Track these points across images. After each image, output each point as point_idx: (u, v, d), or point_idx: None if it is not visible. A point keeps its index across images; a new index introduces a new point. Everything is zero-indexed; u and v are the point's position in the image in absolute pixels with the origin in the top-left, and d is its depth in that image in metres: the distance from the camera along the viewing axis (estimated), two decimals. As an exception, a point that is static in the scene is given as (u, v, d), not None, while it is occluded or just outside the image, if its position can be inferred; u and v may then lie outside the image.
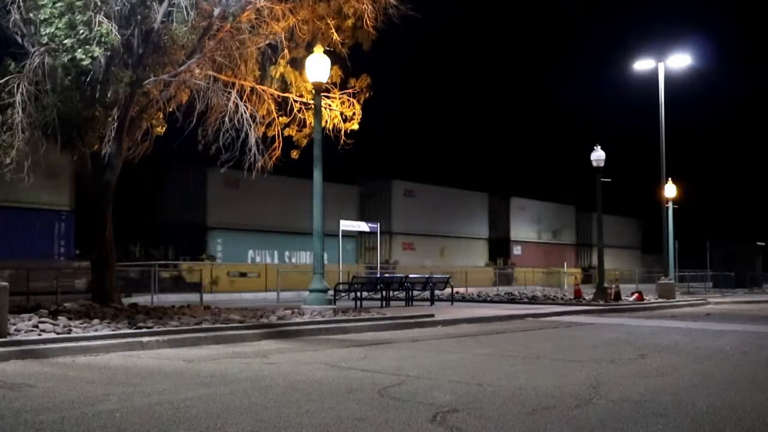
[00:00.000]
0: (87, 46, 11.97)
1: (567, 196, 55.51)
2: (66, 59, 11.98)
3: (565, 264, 48.10)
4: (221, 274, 30.82)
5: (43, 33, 12.09)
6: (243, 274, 32.03)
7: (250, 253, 34.54)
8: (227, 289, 29.35)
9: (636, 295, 26.64)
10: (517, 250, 50.16)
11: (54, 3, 12.13)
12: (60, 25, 11.96)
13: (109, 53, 12.78)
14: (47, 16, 12.07)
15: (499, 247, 49.04)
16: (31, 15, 12.88)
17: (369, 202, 40.82)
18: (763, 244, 52.43)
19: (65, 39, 11.96)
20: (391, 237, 40.59)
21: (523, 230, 51.22)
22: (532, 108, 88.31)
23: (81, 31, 12.00)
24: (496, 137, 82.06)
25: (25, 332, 10.51)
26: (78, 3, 12.18)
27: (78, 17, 12.11)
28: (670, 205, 32.93)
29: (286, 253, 35.90)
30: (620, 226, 56.55)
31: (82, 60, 12.04)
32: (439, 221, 43.44)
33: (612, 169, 29.14)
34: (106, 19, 12.52)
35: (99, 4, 12.60)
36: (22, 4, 12.98)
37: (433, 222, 43.02)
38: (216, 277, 30.02)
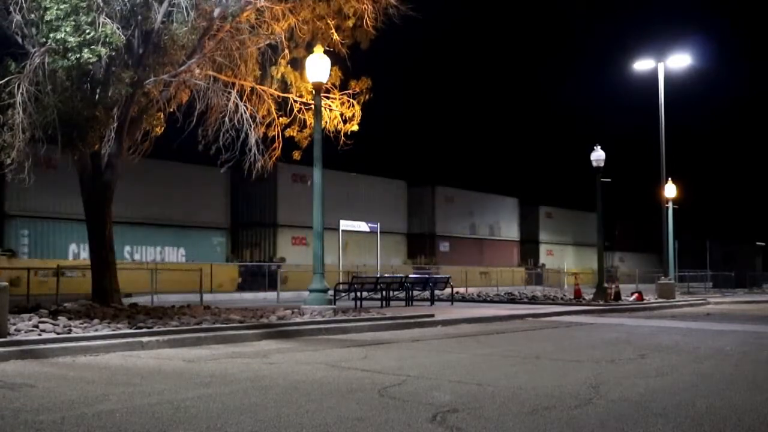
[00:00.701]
0: (93, 47, 12.00)
1: (508, 187, 53.07)
2: (73, 59, 12.00)
3: (516, 262, 46.65)
4: (23, 274, 21.96)
5: (50, 34, 12.10)
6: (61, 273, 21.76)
7: (73, 247, 28.36)
8: (37, 292, 20.50)
9: (636, 295, 26.66)
10: (444, 247, 44.80)
11: (59, 4, 12.15)
12: (67, 28, 11.99)
13: (114, 53, 12.80)
14: (53, 18, 12.09)
15: (422, 243, 43.70)
16: (33, 16, 12.89)
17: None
18: (763, 244, 52.48)
19: (70, 38, 11.98)
20: (276, 230, 35.82)
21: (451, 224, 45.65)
22: (531, 108, 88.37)
23: (87, 32, 12.03)
24: (496, 137, 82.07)
25: (25, 332, 10.51)
26: (82, 4, 12.20)
27: (82, 18, 12.13)
28: (670, 205, 32.94)
29: (127, 249, 30.00)
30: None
31: (89, 60, 12.08)
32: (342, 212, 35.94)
33: (612, 169, 29.16)
34: (109, 20, 12.55)
35: (101, 4, 12.63)
36: (24, 5, 13.00)
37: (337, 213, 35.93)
38: (17, 278, 21.74)
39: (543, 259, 51.88)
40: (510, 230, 50.46)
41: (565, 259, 51.68)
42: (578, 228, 53.75)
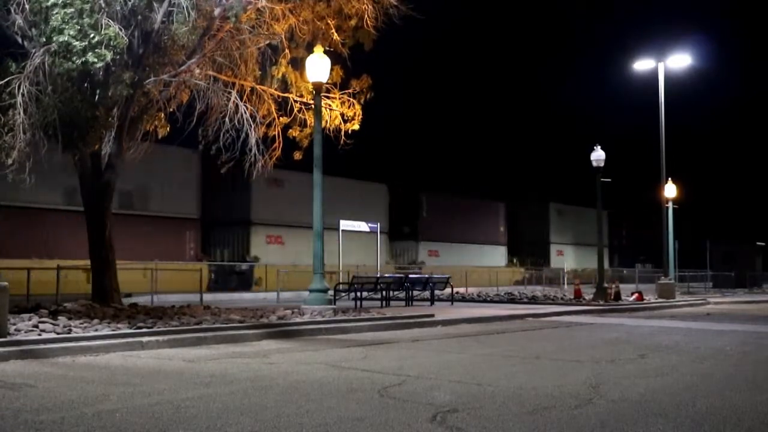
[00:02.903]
0: (98, 50, 12.01)
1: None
2: (78, 62, 12.00)
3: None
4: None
5: (53, 37, 12.10)
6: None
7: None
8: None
9: (636, 295, 26.65)
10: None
11: (64, 9, 12.14)
12: (71, 32, 11.99)
13: (118, 56, 12.81)
14: (59, 23, 12.07)
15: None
16: (35, 17, 12.88)
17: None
18: (763, 244, 52.44)
19: (75, 42, 11.99)
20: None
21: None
22: (531, 108, 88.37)
23: (92, 36, 12.04)
24: (495, 137, 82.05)
25: (25, 332, 10.51)
26: (85, 6, 12.21)
27: (86, 20, 12.14)
28: (670, 205, 32.93)
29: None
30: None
31: (94, 63, 12.09)
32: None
33: (612, 169, 29.18)
34: (111, 22, 12.56)
35: (103, 6, 12.63)
36: (26, 6, 12.99)
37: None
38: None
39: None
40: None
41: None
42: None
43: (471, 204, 48.05)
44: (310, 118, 17.60)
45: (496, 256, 49.30)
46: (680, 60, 30.84)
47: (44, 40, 12.47)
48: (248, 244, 33.58)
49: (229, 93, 16.42)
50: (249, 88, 16.98)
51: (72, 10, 12.15)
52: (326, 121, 17.43)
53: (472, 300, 26.07)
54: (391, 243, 42.31)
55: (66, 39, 11.98)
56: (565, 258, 52.08)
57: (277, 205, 33.65)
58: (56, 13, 12.15)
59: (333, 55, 16.83)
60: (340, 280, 24.85)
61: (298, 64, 17.35)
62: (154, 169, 26.38)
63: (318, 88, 16.24)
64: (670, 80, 31.50)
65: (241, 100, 16.56)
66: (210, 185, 31.27)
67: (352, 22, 16.88)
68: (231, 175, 18.71)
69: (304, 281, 16.20)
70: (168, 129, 17.27)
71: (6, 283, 10.32)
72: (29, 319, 11.52)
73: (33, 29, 13.23)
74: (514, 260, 50.61)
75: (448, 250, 45.28)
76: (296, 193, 31.78)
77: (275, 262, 31.76)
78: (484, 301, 25.62)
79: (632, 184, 58.22)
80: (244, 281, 31.04)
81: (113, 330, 11.14)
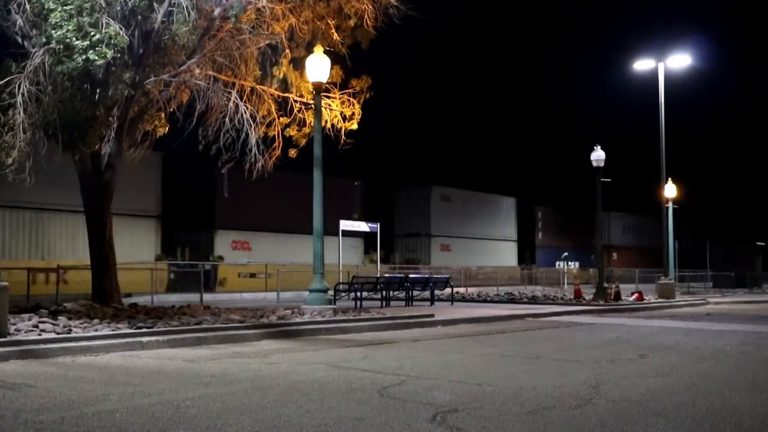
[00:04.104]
0: (98, 48, 12.02)
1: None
2: (79, 61, 12.01)
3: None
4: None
5: (54, 36, 12.11)
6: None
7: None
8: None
9: (636, 295, 26.65)
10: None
11: (63, 5, 12.14)
12: (70, 27, 12.00)
13: (119, 55, 12.82)
14: (57, 20, 12.08)
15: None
16: (36, 18, 12.88)
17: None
18: (763, 244, 52.44)
19: (76, 41, 11.99)
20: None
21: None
22: (531, 108, 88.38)
23: (92, 34, 12.05)
24: (495, 137, 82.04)
25: (25, 332, 10.51)
26: (86, 5, 12.21)
27: (86, 19, 12.14)
28: (670, 205, 32.92)
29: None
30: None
31: (95, 62, 12.10)
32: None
33: (612, 169, 29.16)
34: (112, 21, 12.56)
35: (103, 5, 12.63)
36: (26, 6, 12.99)
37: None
38: None
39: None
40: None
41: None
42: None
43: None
44: (309, 118, 17.60)
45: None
46: (680, 60, 30.83)
47: (44, 39, 12.47)
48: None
49: (229, 93, 16.42)
50: (249, 88, 16.98)
51: (71, 7, 12.15)
52: (326, 121, 17.44)
53: (472, 300, 26.07)
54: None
55: (64, 33, 11.98)
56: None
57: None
58: (55, 9, 12.15)
59: (333, 55, 16.83)
60: (340, 280, 24.84)
61: (298, 64, 17.35)
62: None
63: (318, 88, 16.25)
64: (670, 80, 31.51)
65: (241, 100, 16.55)
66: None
67: (351, 22, 16.88)
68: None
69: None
70: (167, 129, 17.26)
71: (6, 283, 10.33)
72: (29, 319, 11.52)
73: (33, 29, 13.23)
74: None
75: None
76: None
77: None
78: (484, 301, 25.62)
79: (632, 184, 58.23)
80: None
81: (113, 330, 11.14)
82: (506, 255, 49.77)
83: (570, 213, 54.63)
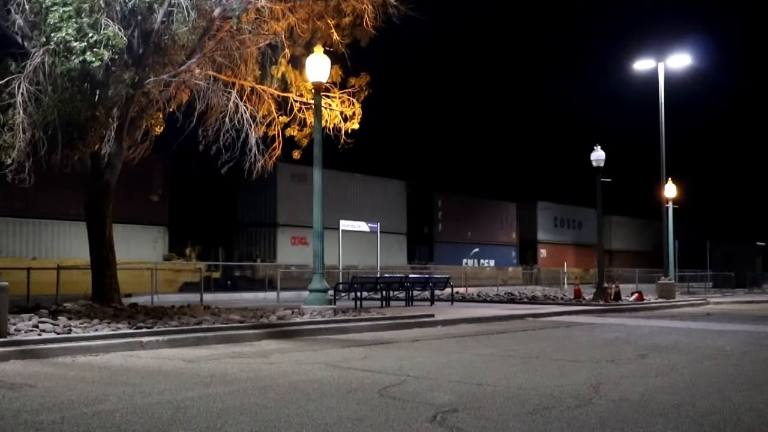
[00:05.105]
0: (96, 49, 12.02)
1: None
2: (77, 62, 12.01)
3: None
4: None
5: (53, 37, 12.11)
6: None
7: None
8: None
9: (636, 295, 26.65)
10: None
11: (63, 6, 12.13)
12: (69, 30, 12.00)
13: (117, 56, 12.82)
14: (56, 21, 12.08)
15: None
16: (35, 18, 12.87)
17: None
18: (763, 244, 52.35)
19: (74, 42, 11.99)
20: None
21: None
22: (532, 108, 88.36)
23: (90, 35, 12.05)
24: (495, 137, 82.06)
25: (25, 332, 10.52)
26: (84, 5, 12.21)
27: (84, 20, 12.14)
28: (670, 205, 32.92)
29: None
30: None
31: (92, 63, 12.09)
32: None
33: (612, 169, 29.15)
34: (111, 21, 12.56)
35: (103, 6, 12.63)
36: (26, 6, 12.99)
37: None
38: None
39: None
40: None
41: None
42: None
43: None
44: (309, 118, 17.59)
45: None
46: (680, 60, 30.84)
47: (44, 39, 12.47)
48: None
49: (229, 93, 16.41)
50: (249, 88, 16.97)
51: (70, 8, 12.15)
52: (326, 121, 17.44)
53: (472, 300, 26.08)
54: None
55: (63, 35, 11.98)
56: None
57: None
58: (54, 10, 12.15)
59: (332, 54, 16.83)
60: (340, 280, 24.84)
61: (297, 64, 17.35)
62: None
63: (318, 87, 16.24)
64: (670, 80, 31.53)
65: (241, 99, 16.55)
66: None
67: (349, 20, 16.86)
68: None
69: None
70: (162, 127, 17.23)
71: (6, 283, 10.33)
72: (29, 319, 11.53)
73: (33, 30, 13.22)
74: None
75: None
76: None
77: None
78: (484, 301, 25.63)
79: (632, 184, 58.21)
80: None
81: (113, 330, 11.14)
82: (393, 249, 38.65)
83: (476, 203, 45.96)
